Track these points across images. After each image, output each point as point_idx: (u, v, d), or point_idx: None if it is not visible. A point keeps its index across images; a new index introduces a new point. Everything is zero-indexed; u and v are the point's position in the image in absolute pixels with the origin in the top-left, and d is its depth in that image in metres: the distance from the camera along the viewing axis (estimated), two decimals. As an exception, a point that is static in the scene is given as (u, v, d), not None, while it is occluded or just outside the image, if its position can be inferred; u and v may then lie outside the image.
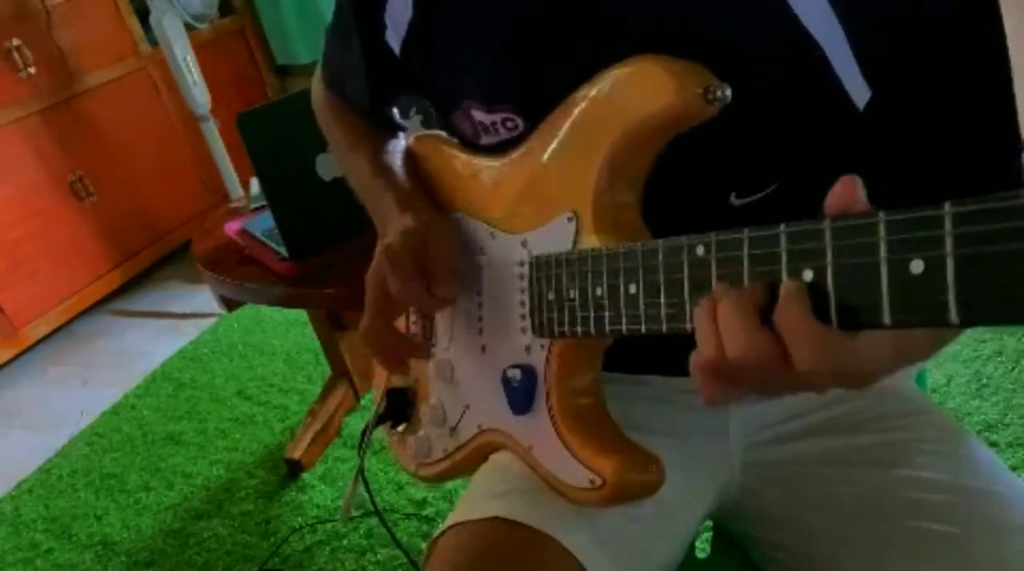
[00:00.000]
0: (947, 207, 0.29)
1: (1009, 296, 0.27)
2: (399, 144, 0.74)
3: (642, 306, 0.44)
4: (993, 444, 1.39)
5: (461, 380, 0.65)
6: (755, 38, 0.50)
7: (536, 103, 0.56)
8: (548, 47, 0.55)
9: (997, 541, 0.55)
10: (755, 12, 0.49)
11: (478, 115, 0.61)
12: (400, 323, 0.71)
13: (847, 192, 0.34)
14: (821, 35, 0.48)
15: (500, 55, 0.58)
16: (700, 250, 0.40)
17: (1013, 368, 1.55)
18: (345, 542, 1.47)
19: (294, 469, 1.67)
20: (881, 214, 0.31)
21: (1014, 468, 1.33)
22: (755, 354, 0.36)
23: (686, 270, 0.41)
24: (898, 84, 0.49)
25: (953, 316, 0.29)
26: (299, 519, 1.55)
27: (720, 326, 0.38)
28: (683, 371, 0.41)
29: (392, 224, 0.62)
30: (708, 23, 0.50)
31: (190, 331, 2.34)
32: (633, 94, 0.48)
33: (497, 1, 0.57)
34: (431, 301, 0.59)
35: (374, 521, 1.49)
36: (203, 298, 2.46)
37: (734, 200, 0.56)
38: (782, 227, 0.35)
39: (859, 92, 0.50)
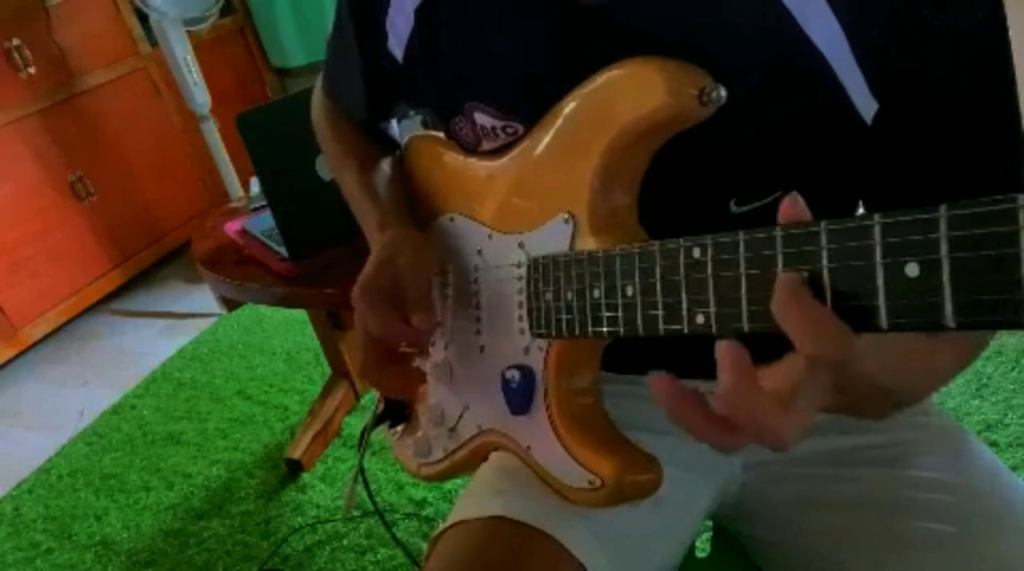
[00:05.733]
0: (943, 210, 0.29)
1: (1003, 300, 0.27)
2: (389, 159, 0.74)
3: (639, 308, 0.44)
4: (993, 444, 1.39)
5: (460, 380, 0.65)
6: (762, 50, 0.50)
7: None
8: (566, 61, 0.55)
9: (997, 541, 0.55)
10: (762, 25, 0.49)
11: (482, 119, 0.61)
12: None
13: (790, 213, 0.35)
14: (828, 49, 0.48)
15: (514, 68, 0.58)
16: (696, 252, 0.40)
17: (1013, 368, 1.55)
18: (345, 542, 1.47)
19: (294, 469, 1.67)
20: (877, 217, 0.31)
21: (1014, 468, 1.33)
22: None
23: (683, 272, 0.41)
24: (904, 97, 0.49)
25: (949, 319, 0.29)
26: (299, 519, 1.55)
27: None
28: (685, 371, 0.41)
29: (372, 245, 0.65)
30: (718, 35, 0.50)
31: (190, 331, 2.34)
32: (628, 95, 0.48)
33: (510, 15, 0.57)
34: (412, 332, 0.60)
35: (374, 521, 1.49)
36: (203, 298, 2.47)
37: (734, 208, 0.56)
38: (778, 230, 0.35)
39: (866, 105, 0.50)
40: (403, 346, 0.65)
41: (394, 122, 0.79)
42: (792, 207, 0.35)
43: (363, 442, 0.74)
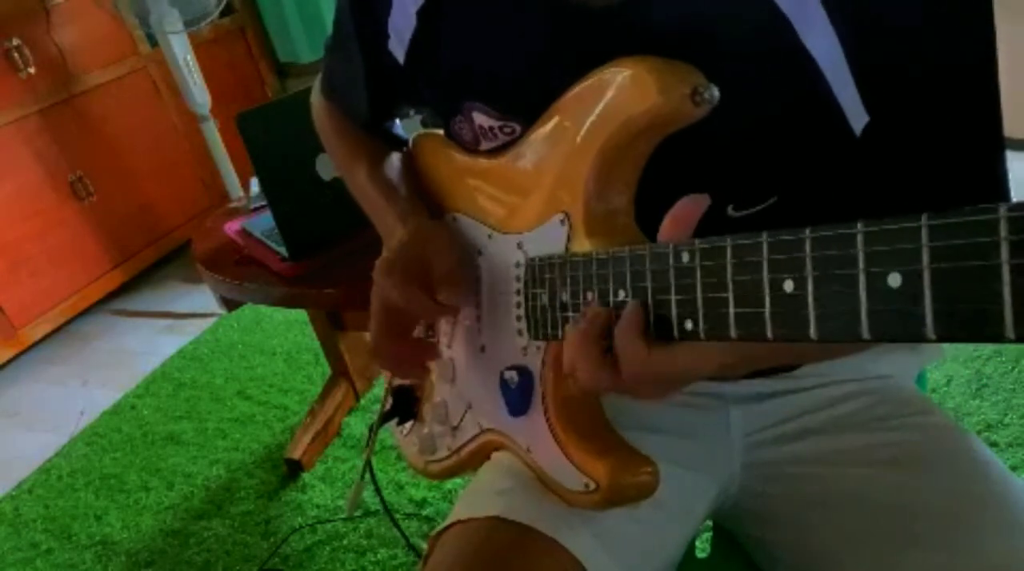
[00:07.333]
0: (924, 219, 0.28)
1: (984, 312, 0.26)
2: (397, 155, 0.74)
3: None
4: (993, 444, 1.39)
5: (462, 380, 0.65)
6: (761, 56, 0.50)
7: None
8: (566, 63, 0.54)
9: (997, 541, 0.55)
10: (761, 32, 0.49)
11: (480, 119, 0.61)
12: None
13: (687, 214, 0.40)
14: (823, 59, 0.48)
15: (515, 69, 0.58)
16: (685, 257, 0.39)
17: (1013, 368, 1.55)
18: (345, 542, 1.47)
19: (294, 469, 1.67)
20: (860, 225, 0.30)
21: (1014, 468, 1.33)
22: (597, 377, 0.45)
23: (672, 277, 0.40)
24: (894, 110, 0.49)
25: (930, 331, 0.28)
26: (299, 519, 1.55)
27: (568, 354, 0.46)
28: None
29: (392, 238, 0.64)
30: (718, 40, 0.50)
31: (190, 331, 2.34)
32: (621, 95, 0.47)
33: (512, 16, 0.57)
34: (434, 308, 0.60)
35: (374, 521, 1.49)
36: (203, 298, 2.47)
37: (732, 212, 0.56)
38: (764, 236, 0.35)
39: (857, 117, 0.50)
40: (418, 331, 0.65)
41: (398, 121, 0.79)
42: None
43: (371, 439, 0.74)
